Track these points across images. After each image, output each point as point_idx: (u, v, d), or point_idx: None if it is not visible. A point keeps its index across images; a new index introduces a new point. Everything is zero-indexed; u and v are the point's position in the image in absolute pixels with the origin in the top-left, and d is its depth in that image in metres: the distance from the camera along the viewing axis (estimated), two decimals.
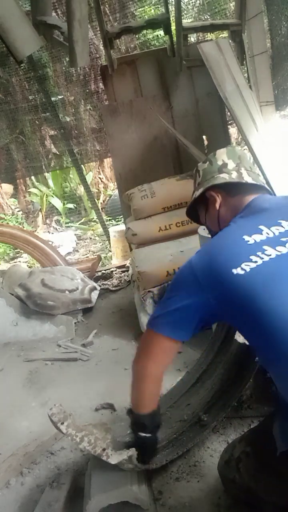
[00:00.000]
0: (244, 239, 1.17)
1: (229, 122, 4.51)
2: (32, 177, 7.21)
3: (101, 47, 4.66)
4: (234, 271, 1.11)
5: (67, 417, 1.51)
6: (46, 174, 7.12)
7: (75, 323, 3.27)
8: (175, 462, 1.65)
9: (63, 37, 3.55)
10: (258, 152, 3.15)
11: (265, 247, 1.14)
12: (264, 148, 3.22)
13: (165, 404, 1.86)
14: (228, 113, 3.66)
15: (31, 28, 3.28)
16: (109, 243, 5.16)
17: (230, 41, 3.68)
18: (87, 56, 3.38)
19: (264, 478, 1.18)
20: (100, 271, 4.47)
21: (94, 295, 3.57)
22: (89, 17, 3.53)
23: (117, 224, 5.87)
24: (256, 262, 1.11)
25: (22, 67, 4.92)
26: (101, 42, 4.02)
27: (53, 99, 5.33)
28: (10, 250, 6.38)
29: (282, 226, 1.18)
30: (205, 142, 4.14)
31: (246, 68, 3.92)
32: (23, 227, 6.61)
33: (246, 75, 3.88)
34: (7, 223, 6.39)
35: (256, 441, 1.26)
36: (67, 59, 3.99)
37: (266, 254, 1.12)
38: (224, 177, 1.39)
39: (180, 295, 1.21)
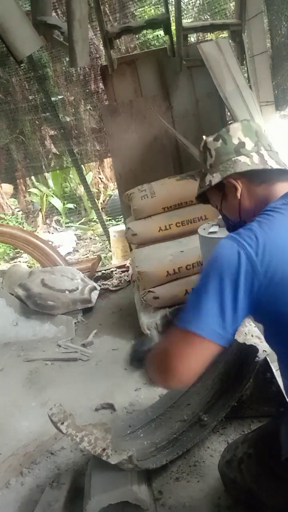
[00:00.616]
0: None
1: (229, 122, 4.51)
2: (32, 177, 7.21)
3: (101, 47, 4.66)
4: None
5: (67, 417, 1.51)
6: (46, 174, 7.13)
7: (75, 323, 3.27)
8: (175, 462, 1.65)
9: (63, 37, 3.55)
10: None
11: None
12: None
13: (165, 404, 1.87)
14: (228, 113, 3.66)
15: (31, 28, 3.28)
16: (109, 243, 5.16)
17: (230, 41, 3.68)
18: (87, 56, 3.38)
19: (265, 481, 1.17)
20: (100, 271, 4.47)
21: (94, 295, 3.57)
22: (89, 17, 3.53)
23: (117, 224, 5.88)
24: None
25: (22, 67, 4.92)
26: (101, 42, 4.02)
27: (53, 99, 5.33)
28: (10, 250, 6.38)
29: None
30: None
31: (246, 68, 3.92)
32: (23, 227, 6.61)
33: (246, 75, 3.88)
34: (7, 223, 6.39)
35: (260, 444, 1.24)
36: (67, 59, 3.99)
37: None
38: (245, 162, 1.21)
39: (224, 284, 1.00)
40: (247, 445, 1.28)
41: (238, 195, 1.22)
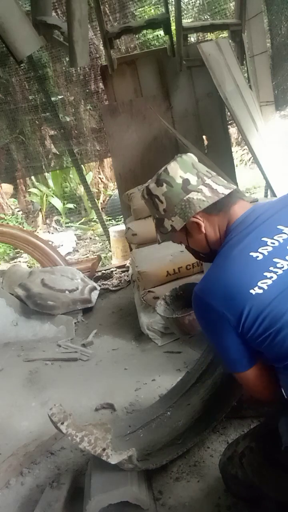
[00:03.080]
0: (252, 256, 1.11)
1: (229, 122, 4.51)
2: (32, 177, 7.21)
3: (101, 47, 4.66)
4: (252, 291, 1.06)
5: (67, 417, 1.51)
6: (46, 174, 7.13)
7: (75, 323, 3.27)
8: (175, 462, 1.65)
9: (63, 37, 3.55)
10: (258, 152, 3.15)
11: (275, 259, 1.09)
12: (264, 148, 3.22)
13: (165, 404, 1.86)
14: (228, 113, 3.66)
15: (31, 28, 3.29)
16: (109, 243, 5.17)
17: (230, 41, 3.68)
18: (87, 56, 3.39)
19: (267, 473, 1.18)
20: (100, 271, 4.47)
21: (94, 295, 3.57)
22: (89, 17, 3.54)
23: (117, 224, 5.87)
24: (271, 278, 1.07)
25: (22, 67, 4.92)
26: (101, 42, 4.02)
27: (53, 99, 5.33)
28: (10, 250, 6.38)
29: (284, 233, 1.14)
30: (205, 142, 4.15)
31: (246, 68, 3.92)
32: (23, 227, 6.61)
33: (246, 75, 3.88)
34: (7, 223, 6.39)
35: (261, 437, 1.26)
36: (67, 59, 4.00)
37: (278, 267, 1.08)
38: (200, 198, 1.26)
39: (224, 337, 1.14)
40: (249, 440, 1.29)
41: (203, 230, 1.28)
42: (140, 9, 5.22)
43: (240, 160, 8.12)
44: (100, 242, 6.36)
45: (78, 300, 3.39)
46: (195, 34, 5.24)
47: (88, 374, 2.57)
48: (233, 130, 6.77)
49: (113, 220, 6.51)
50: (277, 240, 1.12)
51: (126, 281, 4.09)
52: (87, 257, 5.65)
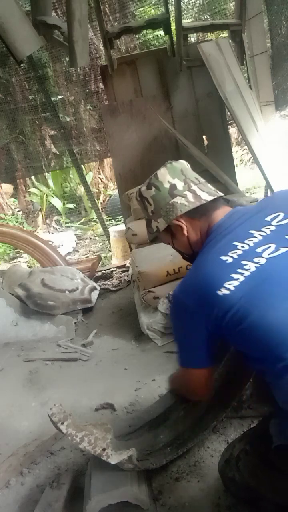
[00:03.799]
0: (222, 259, 1.18)
1: (229, 122, 4.51)
2: (32, 177, 7.21)
3: (101, 47, 4.67)
4: (219, 292, 1.13)
5: (67, 417, 1.51)
6: (46, 174, 7.13)
7: (75, 323, 3.27)
8: (175, 462, 1.65)
9: (63, 37, 3.55)
10: (258, 152, 3.15)
11: (243, 262, 1.15)
12: (264, 148, 3.22)
13: (165, 404, 1.86)
14: (228, 113, 3.66)
15: (31, 28, 3.29)
16: (109, 243, 5.17)
17: (230, 41, 3.68)
18: (87, 56, 3.39)
19: (263, 474, 1.18)
20: (100, 271, 4.47)
21: (94, 295, 3.57)
22: (89, 17, 3.54)
23: (117, 224, 5.88)
24: (238, 279, 1.13)
25: (22, 67, 4.92)
26: (101, 42, 4.02)
27: (53, 99, 5.33)
28: (10, 250, 6.38)
29: (254, 237, 1.20)
30: (205, 142, 4.15)
31: (246, 68, 3.92)
32: (23, 227, 6.61)
33: (246, 75, 3.88)
34: (7, 223, 6.39)
35: (255, 439, 1.28)
36: (67, 59, 4.00)
37: (245, 269, 1.14)
38: (182, 203, 1.36)
39: (193, 335, 1.25)
40: (244, 442, 1.31)
41: (185, 232, 1.38)
42: (140, 9, 5.23)
43: (240, 160, 8.12)
44: (100, 242, 6.36)
45: (78, 300, 3.39)
46: (195, 34, 5.24)
47: (88, 374, 2.57)
48: (233, 130, 6.77)
49: (113, 220, 6.51)
50: (247, 244, 1.19)
51: (126, 281, 4.09)
52: (87, 257, 5.65)
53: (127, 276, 4.15)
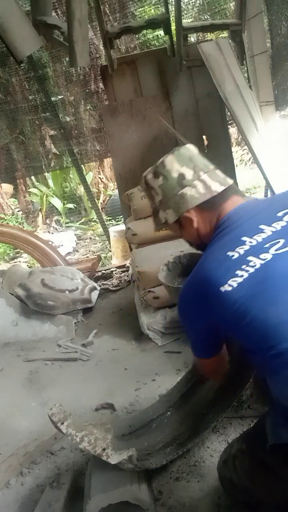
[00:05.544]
0: (228, 255, 1.17)
1: (229, 122, 4.51)
2: (32, 177, 7.21)
3: (101, 47, 4.66)
4: (222, 288, 1.13)
5: (67, 417, 1.51)
6: (46, 174, 7.13)
7: (75, 323, 3.27)
8: (175, 462, 1.65)
9: (63, 37, 3.55)
10: (258, 152, 3.15)
11: (249, 257, 1.14)
12: (264, 148, 3.22)
13: (165, 404, 1.86)
14: (228, 113, 3.66)
15: (31, 28, 3.28)
16: (109, 243, 5.16)
17: (230, 41, 3.68)
18: (87, 56, 3.39)
19: (258, 476, 1.18)
20: (100, 271, 4.47)
21: (94, 295, 3.57)
22: (89, 17, 3.53)
23: (117, 224, 5.87)
24: (242, 276, 1.12)
25: (22, 67, 4.92)
26: (101, 42, 4.02)
27: (53, 99, 5.33)
28: (10, 250, 6.38)
29: (264, 232, 1.18)
30: (205, 142, 4.15)
31: (246, 68, 3.92)
32: (23, 227, 6.61)
33: (246, 75, 3.88)
34: (7, 223, 6.39)
35: (251, 438, 1.28)
36: (67, 59, 4.00)
37: (251, 266, 1.13)
38: (192, 195, 1.30)
39: (197, 325, 1.31)
40: (241, 442, 1.31)
41: (195, 225, 1.33)
42: (140, 9, 5.22)
43: (240, 160, 8.12)
44: (100, 242, 6.36)
45: (78, 300, 3.39)
46: (195, 34, 5.23)
47: (88, 374, 2.57)
48: (233, 130, 6.76)
49: (113, 220, 6.51)
50: (256, 240, 1.17)
51: (126, 281, 4.09)
52: (87, 257, 5.65)
53: (127, 276, 4.15)
